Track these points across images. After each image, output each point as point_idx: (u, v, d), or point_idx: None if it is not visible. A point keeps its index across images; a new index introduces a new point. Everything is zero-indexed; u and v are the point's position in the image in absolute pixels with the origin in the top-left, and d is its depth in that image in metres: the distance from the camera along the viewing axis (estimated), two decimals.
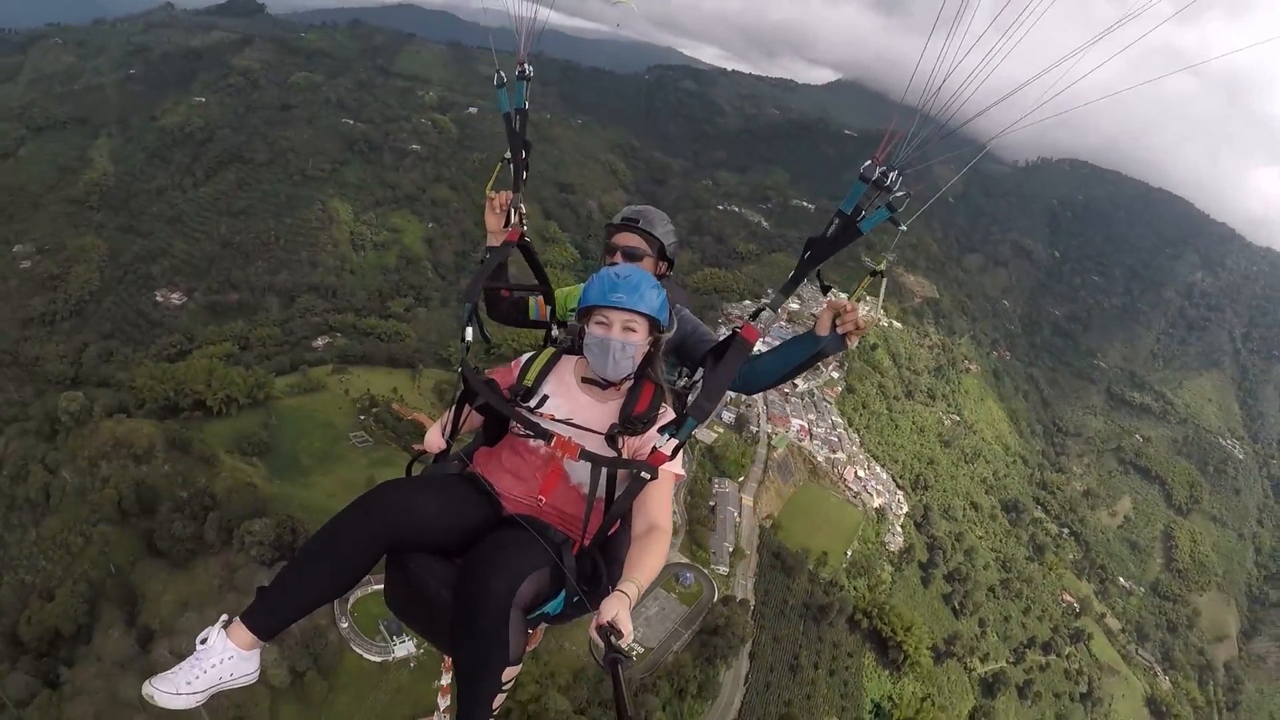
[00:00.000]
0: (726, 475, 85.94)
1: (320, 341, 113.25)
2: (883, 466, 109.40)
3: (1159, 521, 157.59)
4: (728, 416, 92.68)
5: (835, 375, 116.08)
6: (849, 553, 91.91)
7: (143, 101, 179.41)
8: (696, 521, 79.34)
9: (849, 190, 3.52)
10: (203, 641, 3.32)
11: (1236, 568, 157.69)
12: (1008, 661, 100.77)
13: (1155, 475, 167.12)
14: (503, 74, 4.71)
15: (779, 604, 78.97)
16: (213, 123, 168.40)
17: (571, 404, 3.88)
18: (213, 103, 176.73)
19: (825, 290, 3.90)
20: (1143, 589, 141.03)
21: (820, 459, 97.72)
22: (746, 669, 71.33)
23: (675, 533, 76.40)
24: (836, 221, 3.57)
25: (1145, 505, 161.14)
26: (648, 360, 3.90)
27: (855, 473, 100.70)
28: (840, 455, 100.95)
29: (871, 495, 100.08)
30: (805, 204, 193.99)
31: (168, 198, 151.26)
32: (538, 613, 3.41)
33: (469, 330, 4.21)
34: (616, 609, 2.97)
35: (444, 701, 4.50)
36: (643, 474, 3.52)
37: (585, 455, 3.61)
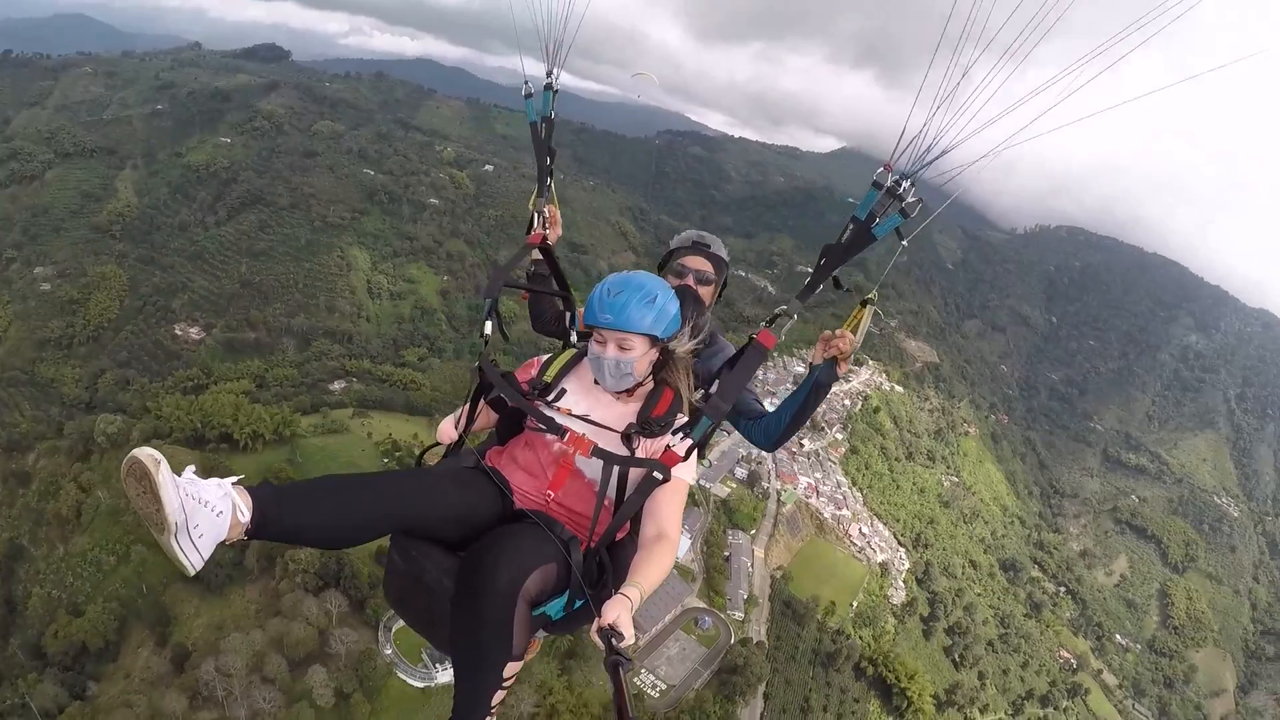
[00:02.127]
0: (740, 528, 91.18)
1: (337, 385, 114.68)
2: (885, 524, 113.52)
3: (1155, 580, 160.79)
4: (740, 473, 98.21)
5: (840, 436, 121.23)
6: (854, 604, 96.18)
7: (169, 137, 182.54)
8: (713, 569, 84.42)
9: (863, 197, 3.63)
10: (184, 473, 2.94)
11: (1233, 623, 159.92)
12: (1006, 713, 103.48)
13: (1151, 534, 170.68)
14: (530, 85, 4.80)
15: (790, 649, 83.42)
16: (237, 163, 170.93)
17: (590, 402, 3.93)
18: (238, 144, 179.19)
19: (838, 286, 3.94)
20: (1139, 646, 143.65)
21: (827, 515, 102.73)
22: (761, 709, 75.45)
23: (693, 580, 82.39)
24: (851, 227, 3.68)
25: (1141, 564, 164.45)
26: (663, 365, 3.97)
27: (859, 529, 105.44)
28: (845, 512, 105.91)
29: (875, 551, 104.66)
30: (809, 270, 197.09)
31: (190, 234, 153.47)
32: (539, 611, 3.40)
33: (488, 325, 4.27)
34: (618, 611, 2.94)
35: None
36: (655, 474, 3.55)
37: (598, 452, 3.65)
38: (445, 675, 62.44)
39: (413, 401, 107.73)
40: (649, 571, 3.29)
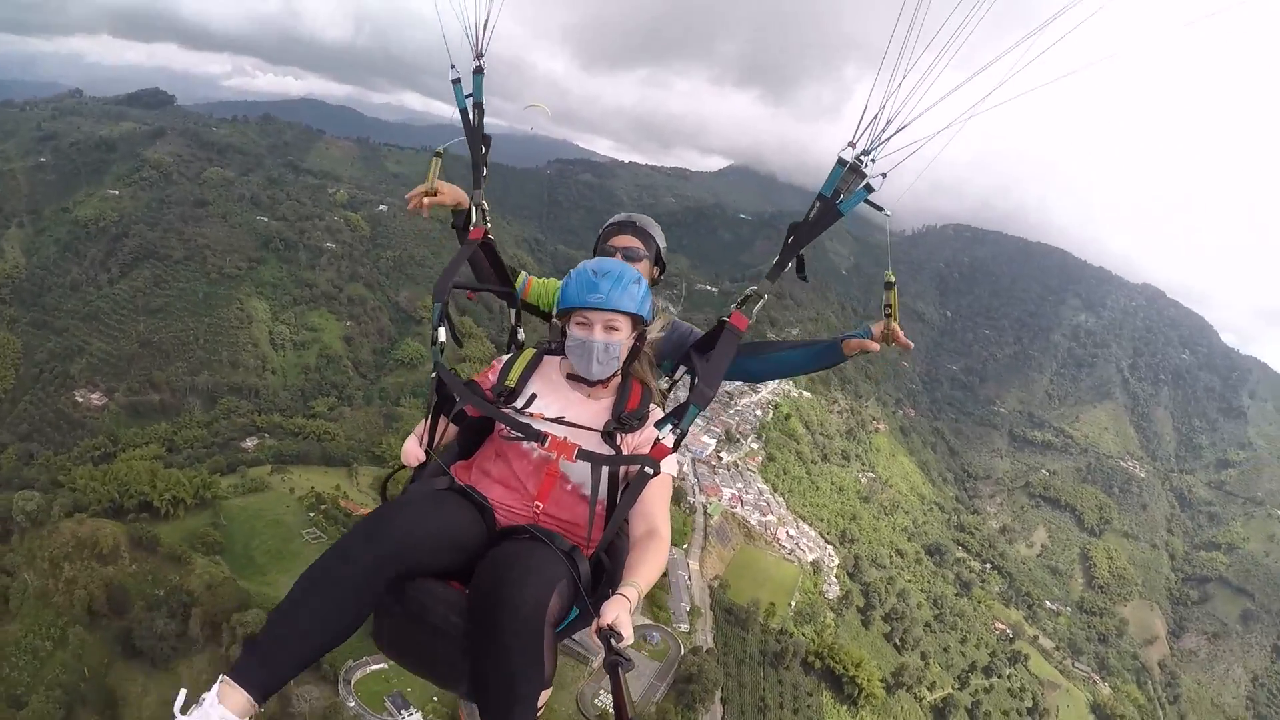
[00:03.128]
0: (673, 544, 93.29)
1: (250, 442, 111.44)
2: (810, 525, 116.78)
3: (1075, 545, 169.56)
4: None
5: (755, 446, 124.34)
6: (793, 603, 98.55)
7: (54, 190, 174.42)
8: (654, 586, 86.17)
9: (827, 176, 3.58)
10: (180, 710, 2.65)
11: (1155, 575, 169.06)
12: (954, 688, 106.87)
13: (1065, 504, 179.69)
14: (457, 69, 4.47)
15: (739, 654, 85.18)
16: (127, 217, 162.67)
17: (562, 402, 3.77)
18: (126, 196, 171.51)
19: (801, 269, 3.89)
20: (1069, 608, 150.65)
21: (753, 522, 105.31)
22: (721, 713, 77.11)
23: None
24: (817, 205, 3.62)
25: (1060, 532, 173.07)
26: (632, 356, 3.85)
27: (786, 532, 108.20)
28: (770, 518, 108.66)
29: (805, 551, 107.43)
30: (709, 287, 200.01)
31: (83, 293, 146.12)
32: (559, 629, 3.20)
33: (440, 331, 4.04)
34: (617, 612, 2.84)
35: None
36: (646, 469, 3.41)
37: (583, 454, 3.46)
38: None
39: (329, 452, 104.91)
40: (645, 569, 3.19)
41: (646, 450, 3.49)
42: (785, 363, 4.46)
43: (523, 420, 3.64)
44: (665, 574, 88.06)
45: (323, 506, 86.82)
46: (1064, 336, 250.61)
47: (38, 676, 65.64)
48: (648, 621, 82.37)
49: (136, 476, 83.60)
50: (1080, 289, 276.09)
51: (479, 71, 4.53)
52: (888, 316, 3.86)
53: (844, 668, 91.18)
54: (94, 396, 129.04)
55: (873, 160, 3.53)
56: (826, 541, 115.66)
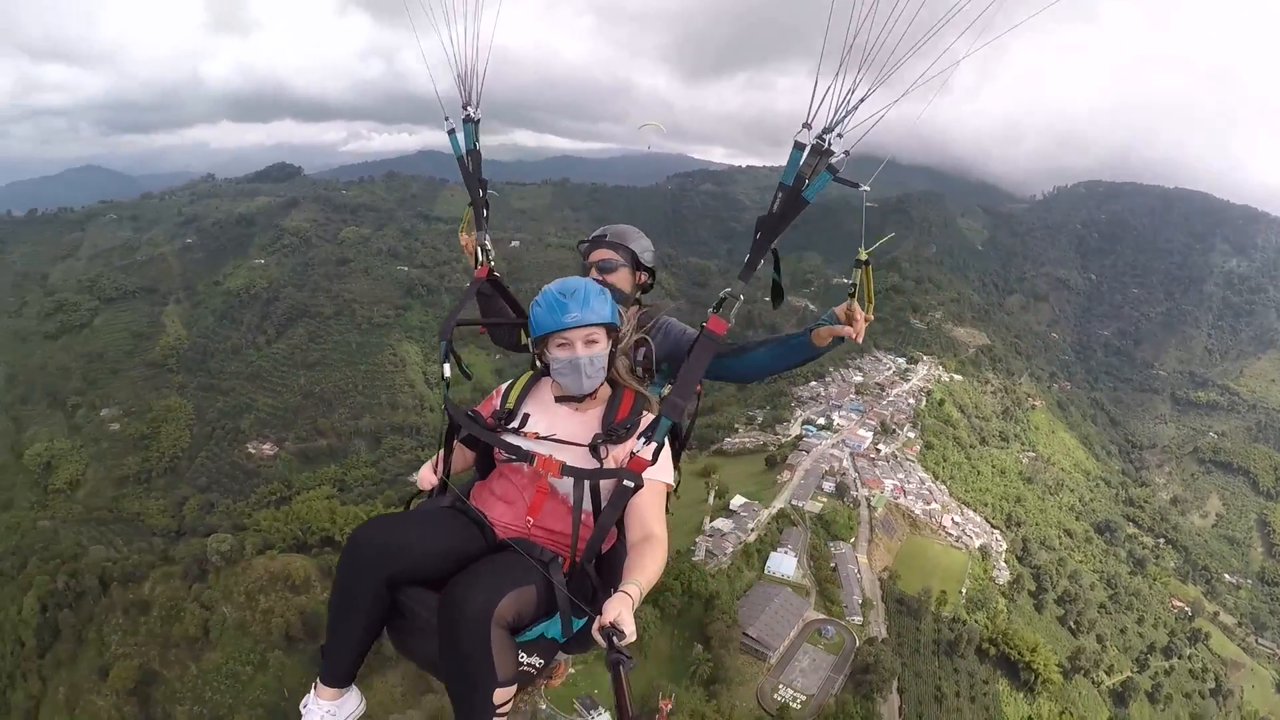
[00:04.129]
0: (839, 538, 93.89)
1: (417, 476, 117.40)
2: (975, 511, 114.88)
3: (1251, 511, 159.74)
4: (829, 486, 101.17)
5: (912, 435, 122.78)
6: (964, 591, 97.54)
7: (204, 267, 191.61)
8: (824, 581, 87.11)
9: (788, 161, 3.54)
10: (304, 707, 3.77)
11: None
12: (1133, 671, 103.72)
13: (1237, 467, 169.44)
14: (451, 121, 4.80)
15: (913, 643, 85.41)
16: (275, 282, 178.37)
17: (552, 419, 3.96)
18: (271, 263, 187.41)
19: (778, 267, 4.07)
20: (1250, 581, 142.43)
21: (917, 512, 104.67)
22: (899, 703, 77.63)
23: (807, 594, 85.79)
24: (780, 195, 3.66)
25: (1234, 499, 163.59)
26: (610, 362, 3.99)
27: (951, 519, 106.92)
28: (934, 506, 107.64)
29: (972, 537, 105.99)
30: (845, 280, 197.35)
31: (244, 355, 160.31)
32: (532, 634, 3.46)
33: (446, 367, 4.32)
34: (619, 609, 2.99)
35: None
36: (626, 482, 3.54)
37: (566, 470, 3.66)
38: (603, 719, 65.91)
39: None
40: (644, 568, 3.36)
41: (628, 463, 3.66)
42: (759, 363, 4.52)
43: (512, 442, 3.92)
44: (835, 568, 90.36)
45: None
46: (1217, 286, 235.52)
47: (240, 698, 72.39)
48: (821, 615, 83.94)
49: (316, 514, 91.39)
50: (1227, 231, 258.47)
51: (468, 121, 4.90)
52: (851, 296, 3.89)
53: (1019, 654, 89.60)
54: (265, 447, 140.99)
55: (839, 135, 3.53)
56: (993, 526, 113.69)
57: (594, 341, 3.88)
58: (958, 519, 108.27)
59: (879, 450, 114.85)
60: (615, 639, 2.90)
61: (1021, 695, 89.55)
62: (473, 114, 4.87)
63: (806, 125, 3.49)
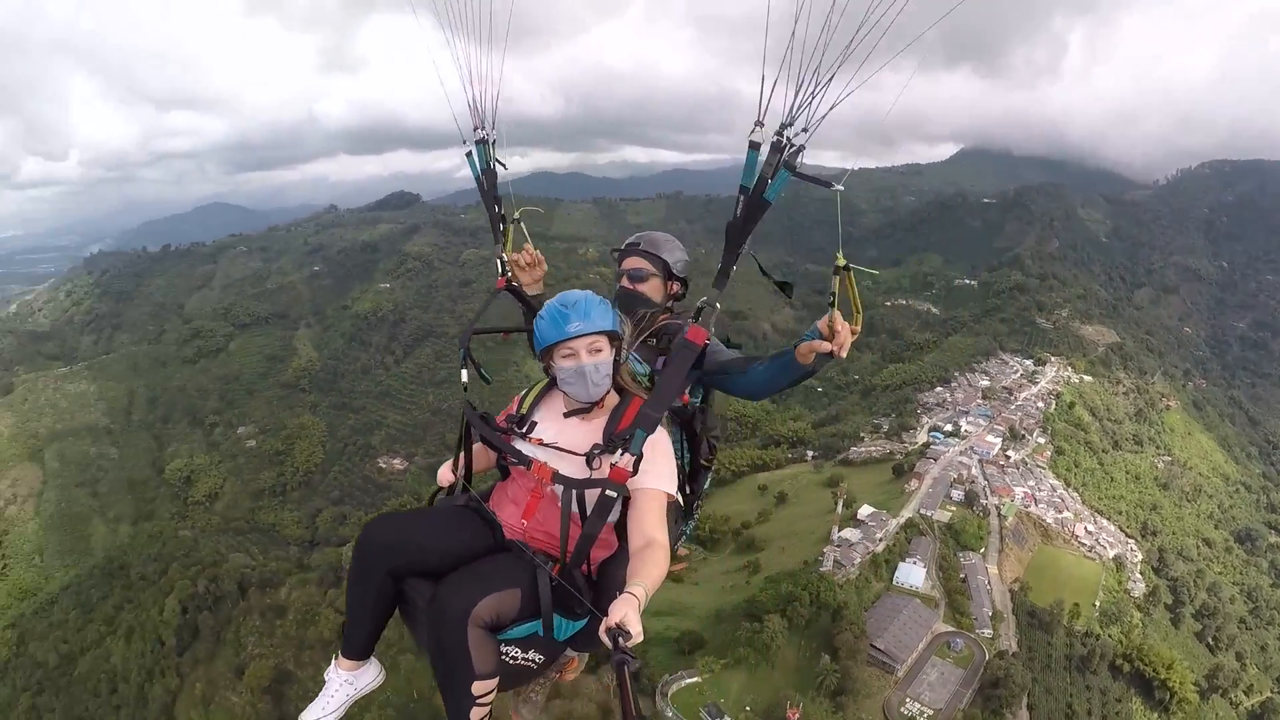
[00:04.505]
0: (969, 548, 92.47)
1: None
2: (1108, 519, 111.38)
3: None
4: (957, 495, 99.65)
5: (1041, 440, 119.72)
6: (1097, 603, 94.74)
7: (331, 293, 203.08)
8: (953, 592, 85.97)
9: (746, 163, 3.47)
10: (327, 675, 4.19)
11: None
12: (1273, 691, 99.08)
13: None
14: (468, 145, 5.00)
15: (1044, 658, 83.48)
16: (400, 305, 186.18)
17: (559, 427, 4.10)
18: (396, 287, 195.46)
19: (763, 270, 4.33)
20: None
21: (1049, 521, 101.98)
22: (1027, 718, 76.74)
23: (935, 605, 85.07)
24: (742, 199, 3.55)
25: None
26: (614, 369, 4.08)
27: (1084, 528, 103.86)
28: (1066, 514, 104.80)
29: (1105, 547, 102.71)
30: (967, 281, 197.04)
31: (373, 375, 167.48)
32: (520, 632, 3.68)
33: (464, 372, 4.59)
34: (625, 610, 3.03)
35: None
36: (609, 492, 3.65)
37: (557, 478, 3.80)
38: None
39: None
40: (648, 572, 3.41)
41: (609, 474, 3.75)
42: (759, 381, 4.40)
43: (514, 447, 4.07)
44: (964, 579, 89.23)
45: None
46: None
47: (370, 699, 73.26)
48: (950, 628, 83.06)
49: None
50: None
51: (481, 142, 5.05)
52: (831, 305, 3.68)
53: (1154, 670, 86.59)
54: (395, 461, 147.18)
55: (805, 130, 3.39)
56: (1127, 535, 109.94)
57: (598, 350, 3.99)
58: (1091, 528, 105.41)
59: (1008, 457, 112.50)
60: (621, 640, 2.97)
61: (1156, 715, 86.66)
62: (487, 135, 5.05)
63: (759, 123, 3.38)
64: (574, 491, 3.77)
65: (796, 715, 67.47)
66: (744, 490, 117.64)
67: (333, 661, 4.22)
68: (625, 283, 5.23)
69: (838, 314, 3.65)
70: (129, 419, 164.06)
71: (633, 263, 5.21)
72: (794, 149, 3.41)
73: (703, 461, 5.06)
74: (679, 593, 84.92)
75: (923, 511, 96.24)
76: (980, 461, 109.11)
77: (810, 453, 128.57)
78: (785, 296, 4.70)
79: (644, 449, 3.75)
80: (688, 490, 5.08)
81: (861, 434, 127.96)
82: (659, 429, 3.89)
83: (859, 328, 3.71)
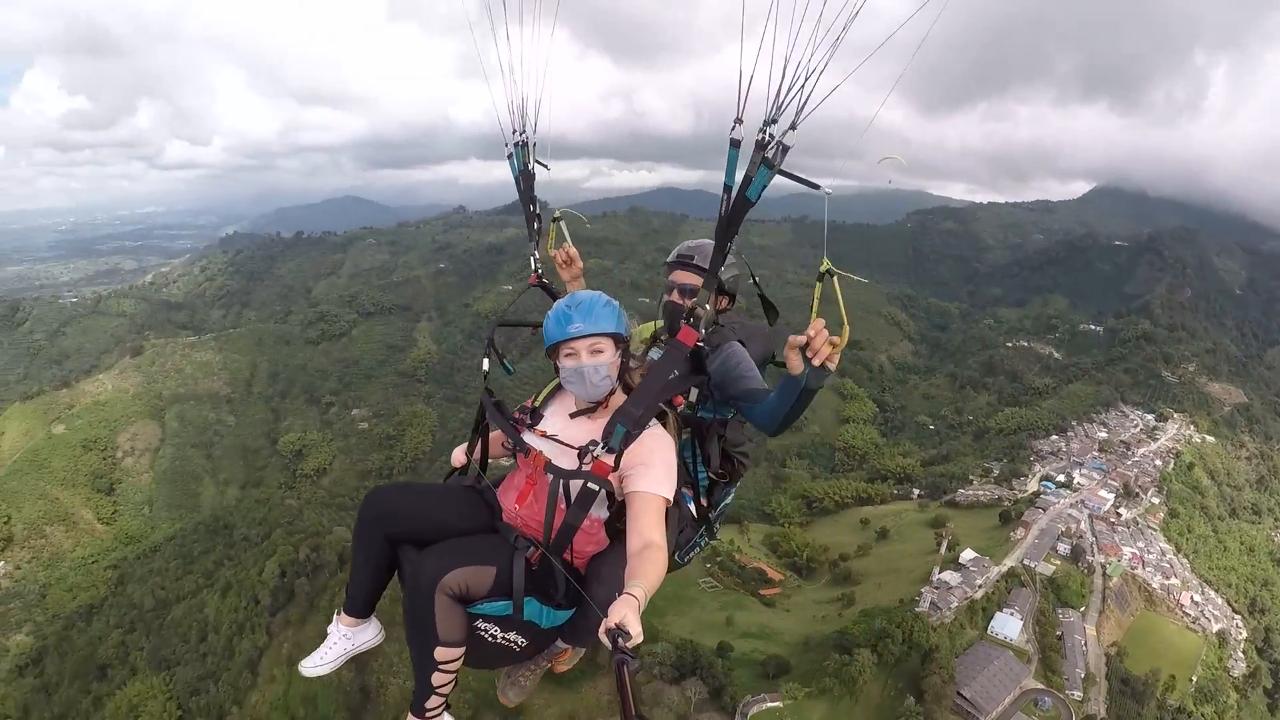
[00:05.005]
0: (1069, 605, 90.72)
1: None
2: (1216, 591, 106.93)
3: None
4: (1063, 548, 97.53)
5: (1156, 501, 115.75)
6: (1194, 678, 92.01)
7: (455, 290, 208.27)
8: (1048, 649, 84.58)
9: (728, 165, 3.53)
10: (329, 629, 4.66)
11: None
12: None
13: None
14: (509, 146, 5.21)
15: None
16: (521, 306, 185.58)
17: (563, 422, 4.31)
18: (519, 289, 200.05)
19: (754, 278, 4.47)
20: None
21: (1155, 585, 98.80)
22: None
23: (1028, 660, 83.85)
24: (725, 198, 3.60)
25: None
26: (622, 371, 4.23)
27: (1191, 598, 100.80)
28: (1174, 581, 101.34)
29: (1210, 620, 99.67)
30: (1093, 327, 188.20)
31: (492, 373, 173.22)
32: (493, 609, 3.86)
33: (485, 361, 4.94)
34: (625, 612, 3.05)
35: None
36: (590, 484, 3.80)
37: (549, 468, 3.98)
38: None
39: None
40: (647, 573, 3.46)
41: (634, 464, 3.91)
42: (770, 407, 4.34)
43: (515, 435, 4.32)
44: (1060, 636, 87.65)
45: (718, 559, 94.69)
46: None
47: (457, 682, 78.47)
48: (1040, 685, 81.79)
49: None
50: None
51: (520, 145, 5.22)
52: (811, 309, 3.68)
53: None
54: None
55: (792, 127, 3.35)
56: (1234, 610, 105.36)
57: (599, 351, 4.10)
58: (1198, 598, 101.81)
59: (1119, 514, 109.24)
60: (620, 640, 2.99)
61: None
62: (528, 138, 5.23)
63: (738, 120, 3.37)
64: (561, 481, 3.94)
65: None
66: (846, 522, 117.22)
67: (335, 617, 4.71)
68: (675, 297, 5.25)
69: (819, 320, 3.62)
70: (249, 390, 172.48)
71: (685, 278, 5.21)
72: (779, 148, 3.43)
73: (713, 474, 5.02)
74: (769, 617, 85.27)
75: (1026, 562, 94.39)
76: (1090, 516, 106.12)
77: (916, 490, 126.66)
78: (769, 318, 5.10)
79: (643, 452, 3.93)
80: (704, 502, 5.09)
81: (971, 476, 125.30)
82: (663, 434, 4.12)
83: (843, 339, 3.58)
